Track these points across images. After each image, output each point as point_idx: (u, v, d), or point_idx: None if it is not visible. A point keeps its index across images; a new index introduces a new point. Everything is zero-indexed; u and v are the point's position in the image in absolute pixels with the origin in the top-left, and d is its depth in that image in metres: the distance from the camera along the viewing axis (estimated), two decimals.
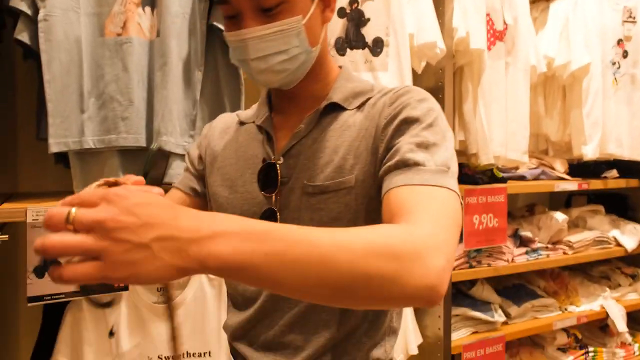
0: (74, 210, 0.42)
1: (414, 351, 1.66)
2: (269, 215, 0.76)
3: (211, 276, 1.42)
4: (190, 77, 1.31)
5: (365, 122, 0.74)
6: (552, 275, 2.21)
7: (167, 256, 0.42)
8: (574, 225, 2.27)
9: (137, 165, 1.31)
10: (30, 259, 1.16)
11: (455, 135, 1.77)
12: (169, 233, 0.43)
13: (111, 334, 1.27)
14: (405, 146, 0.65)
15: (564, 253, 2.07)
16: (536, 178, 2.04)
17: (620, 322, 2.14)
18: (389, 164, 0.65)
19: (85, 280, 0.41)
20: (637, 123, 2.13)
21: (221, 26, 1.30)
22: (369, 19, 1.52)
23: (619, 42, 2.10)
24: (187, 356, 1.37)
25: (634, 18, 2.12)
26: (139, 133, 1.28)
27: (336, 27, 1.49)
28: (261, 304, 0.78)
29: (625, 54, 2.10)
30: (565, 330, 2.16)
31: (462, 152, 1.79)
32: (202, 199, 0.89)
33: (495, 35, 1.79)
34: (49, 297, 1.19)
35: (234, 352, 0.85)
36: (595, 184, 2.12)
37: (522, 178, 2.03)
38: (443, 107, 1.45)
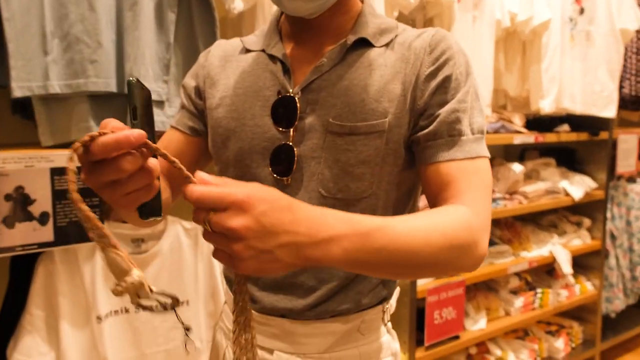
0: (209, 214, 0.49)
1: None
2: (284, 151, 0.72)
3: (187, 226, 1.40)
4: (162, 19, 1.25)
5: (400, 65, 0.71)
6: (507, 225, 2.34)
7: (287, 258, 0.50)
8: (528, 177, 2.39)
9: (108, 112, 1.25)
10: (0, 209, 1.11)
11: None
12: (290, 240, 0.50)
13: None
14: (449, 114, 0.68)
15: (520, 203, 2.19)
16: (496, 131, 2.12)
17: (565, 265, 2.30)
18: (432, 129, 0.68)
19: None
20: (590, 79, 2.24)
21: None
22: None
23: None
24: (165, 306, 1.36)
25: None
26: (109, 77, 1.21)
27: None
28: None
29: (581, 11, 2.17)
30: (517, 274, 2.31)
31: None
32: (202, 138, 0.83)
33: None
34: (20, 248, 1.14)
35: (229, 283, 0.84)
36: (550, 137, 2.22)
37: None
38: None
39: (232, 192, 0.49)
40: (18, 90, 1.15)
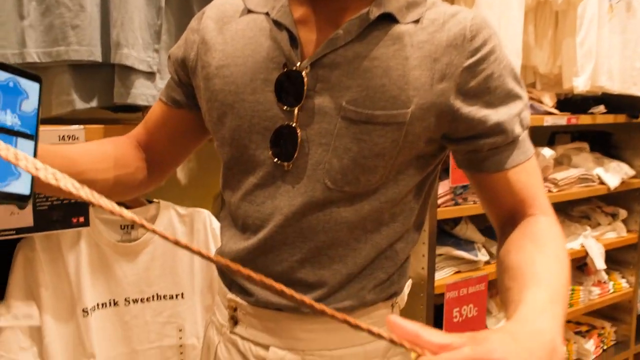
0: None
1: None
2: (286, 133, 0.65)
3: (182, 212, 1.31)
4: None
5: (431, 48, 0.64)
6: None
7: None
8: (559, 163, 2.25)
9: (92, 84, 1.16)
10: None
11: None
12: None
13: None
14: (508, 118, 0.66)
15: (549, 191, 2.05)
16: None
17: (599, 259, 2.18)
18: (491, 137, 0.66)
19: None
20: (630, 54, 2.09)
21: None
22: None
23: None
24: (158, 299, 1.27)
25: None
26: (93, 45, 1.11)
27: None
28: (268, 234, 0.68)
29: None
30: None
31: None
32: (187, 110, 0.76)
33: None
34: None
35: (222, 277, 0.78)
36: (585, 119, 2.08)
37: None
38: None
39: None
40: None
